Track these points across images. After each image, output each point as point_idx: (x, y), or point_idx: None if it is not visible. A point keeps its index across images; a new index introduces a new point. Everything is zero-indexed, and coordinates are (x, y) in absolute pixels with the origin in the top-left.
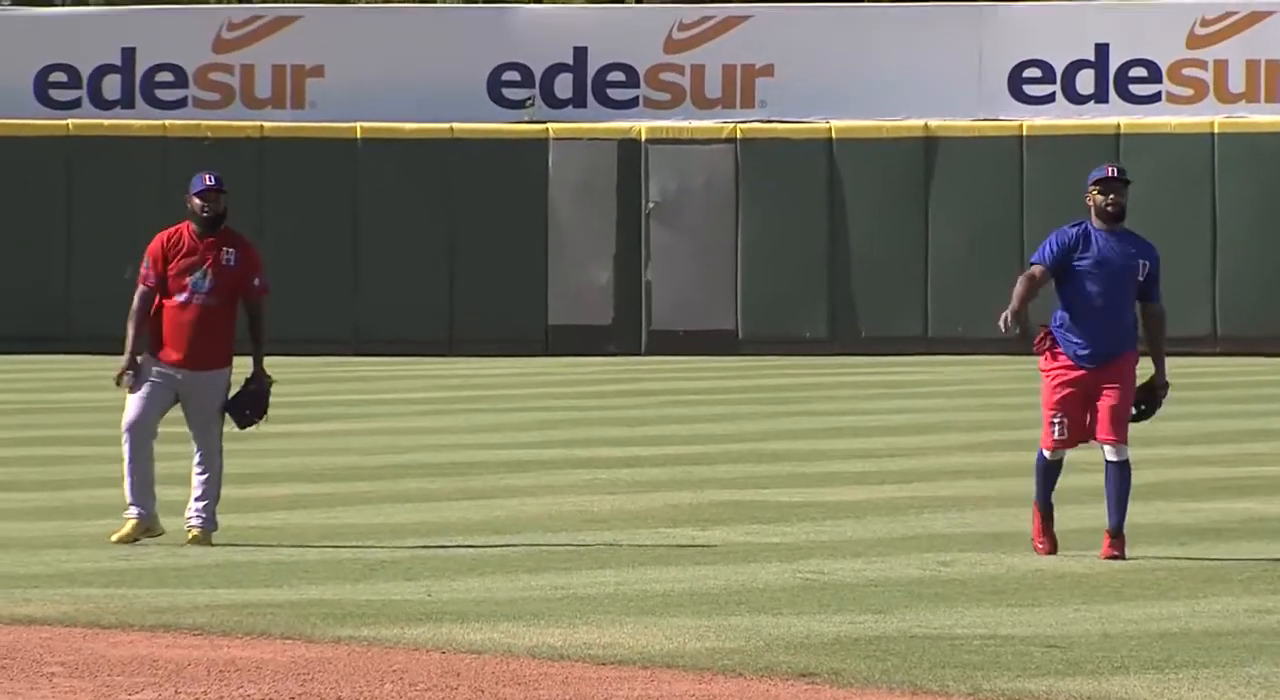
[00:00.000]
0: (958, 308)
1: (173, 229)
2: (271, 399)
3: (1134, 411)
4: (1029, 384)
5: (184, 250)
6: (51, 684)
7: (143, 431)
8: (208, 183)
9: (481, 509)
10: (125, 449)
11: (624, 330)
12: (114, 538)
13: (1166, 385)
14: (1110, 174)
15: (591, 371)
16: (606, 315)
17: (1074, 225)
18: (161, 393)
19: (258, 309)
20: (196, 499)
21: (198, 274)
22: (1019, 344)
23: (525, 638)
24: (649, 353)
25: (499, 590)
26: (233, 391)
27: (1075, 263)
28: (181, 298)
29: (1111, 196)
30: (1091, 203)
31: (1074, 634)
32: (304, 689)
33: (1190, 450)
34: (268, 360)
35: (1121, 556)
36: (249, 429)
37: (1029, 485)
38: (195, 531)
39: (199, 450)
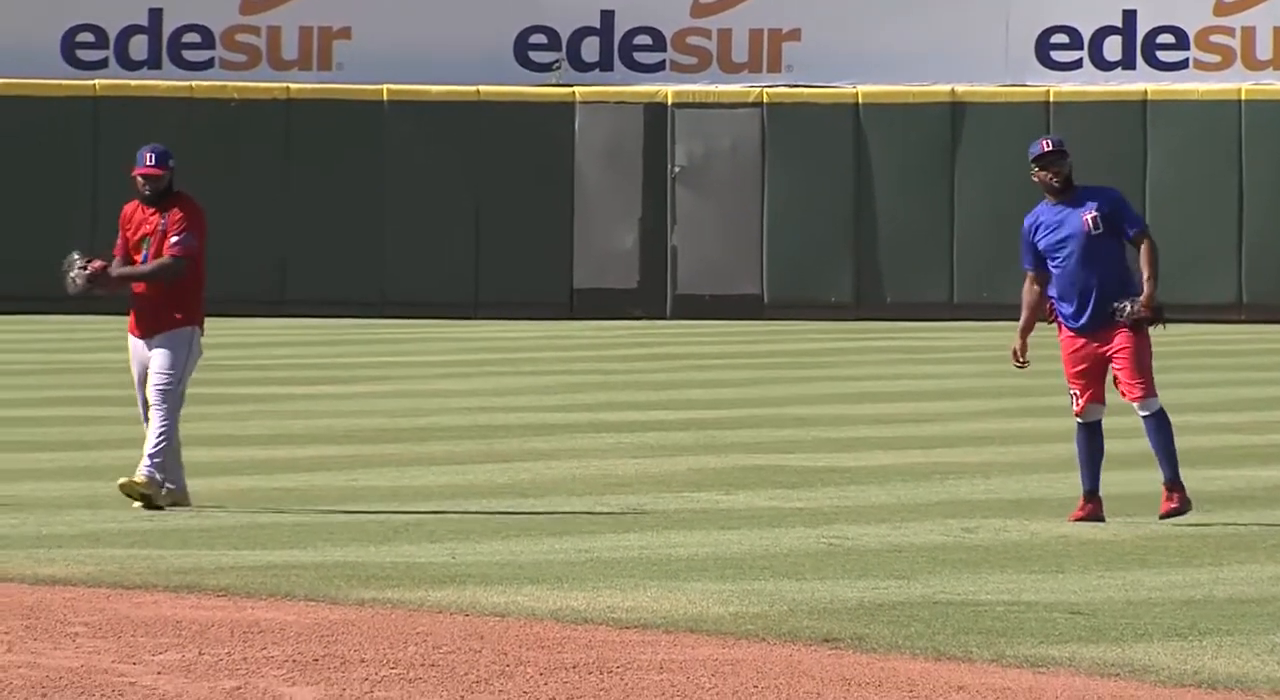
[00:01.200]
0: (983, 274)
1: (135, 199)
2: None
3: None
4: (1053, 350)
5: (136, 220)
6: (75, 644)
7: (141, 392)
8: (147, 162)
9: (506, 472)
10: (140, 409)
11: (649, 294)
12: (120, 481)
13: (1159, 307)
14: (1045, 148)
15: (616, 335)
16: (632, 279)
17: (1031, 214)
18: (137, 365)
19: (160, 260)
20: (148, 452)
21: (142, 241)
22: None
23: (549, 601)
24: (674, 317)
25: (523, 553)
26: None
27: (1039, 245)
28: None
29: (1052, 169)
30: (1036, 179)
31: (1098, 601)
32: (327, 651)
33: (1215, 417)
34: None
35: (1183, 509)
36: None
37: (1053, 451)
38: (140, 476)
39: (158, 419)
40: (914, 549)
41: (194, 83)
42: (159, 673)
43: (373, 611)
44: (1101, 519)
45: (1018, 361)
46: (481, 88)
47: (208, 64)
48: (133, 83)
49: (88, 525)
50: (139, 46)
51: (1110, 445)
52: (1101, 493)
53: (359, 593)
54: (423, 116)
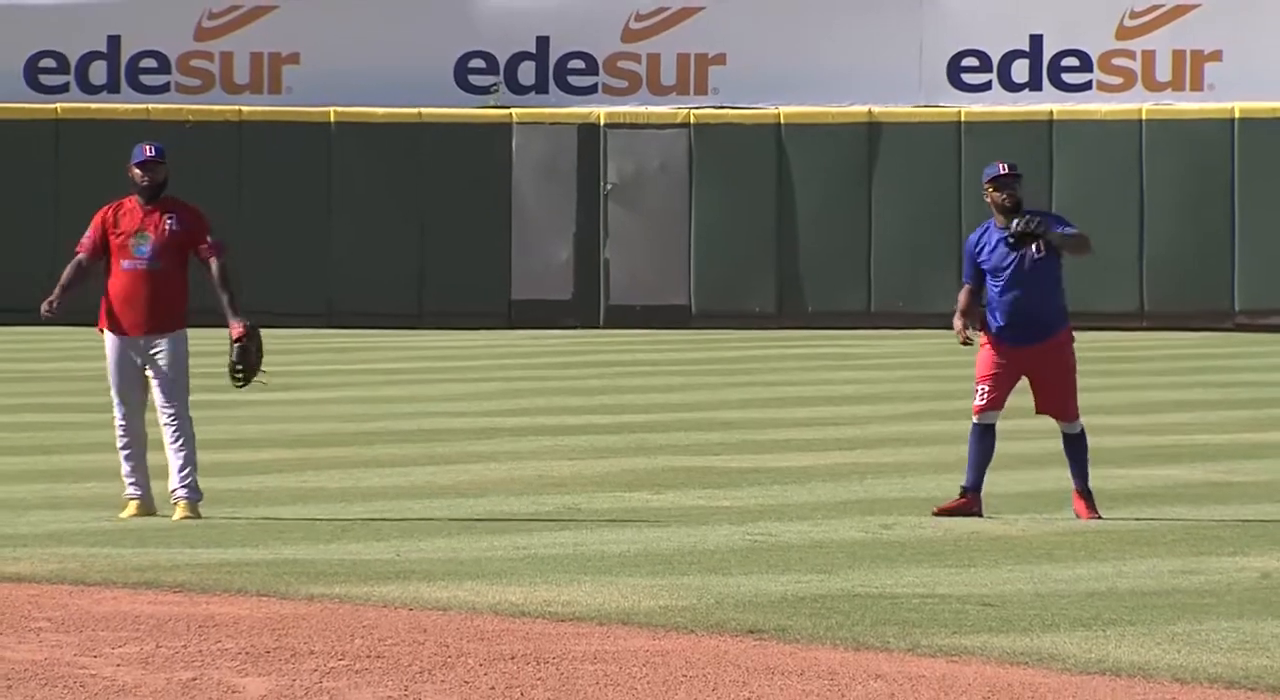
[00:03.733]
0: (899, 284)
1: (118, 202)
2: (262, 346)
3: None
4: (965, 357)
5: (126, 219)
6: (39, 638)
7: (125, 406)
8: (148, 153)
9: (448, 473)
10: (116, 427)
11: (583, 305)
12: (120, 516)
13: (1039, 228)
14: (1001, 171)
15: (552, 344)
16: (567, 291)
17: (977, 230)
18: (128, 364)
19: (217, 267)
20: (178, 470)
21: (137, 238)
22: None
23: (488, 595)
24: (607, 326)
25: (464, 550)
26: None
27: (981, 264)
28: (126, 264)
29: (1006, 191)
30: (989, 199)
31: (1007, 593)
32: (279, 643)
33: (1118, 419)
34: None
35: (1098, 514)
36: (253, 383)
37: (966, 453)
38: (182, 504)
39: (169, 418)
40: (834, 545)
41: (151, 106)
42: (118, 665)
43: (322, 606)
44: (978, 514)
45: (963, 336)
46: (424, 110)
47: (164, 88)
48: (93, 106)
49: (50, 525)
50: (98, 71)
51: (1018, 446)
52: (984, 492)
53: (309, 588)
54: (368, 137)
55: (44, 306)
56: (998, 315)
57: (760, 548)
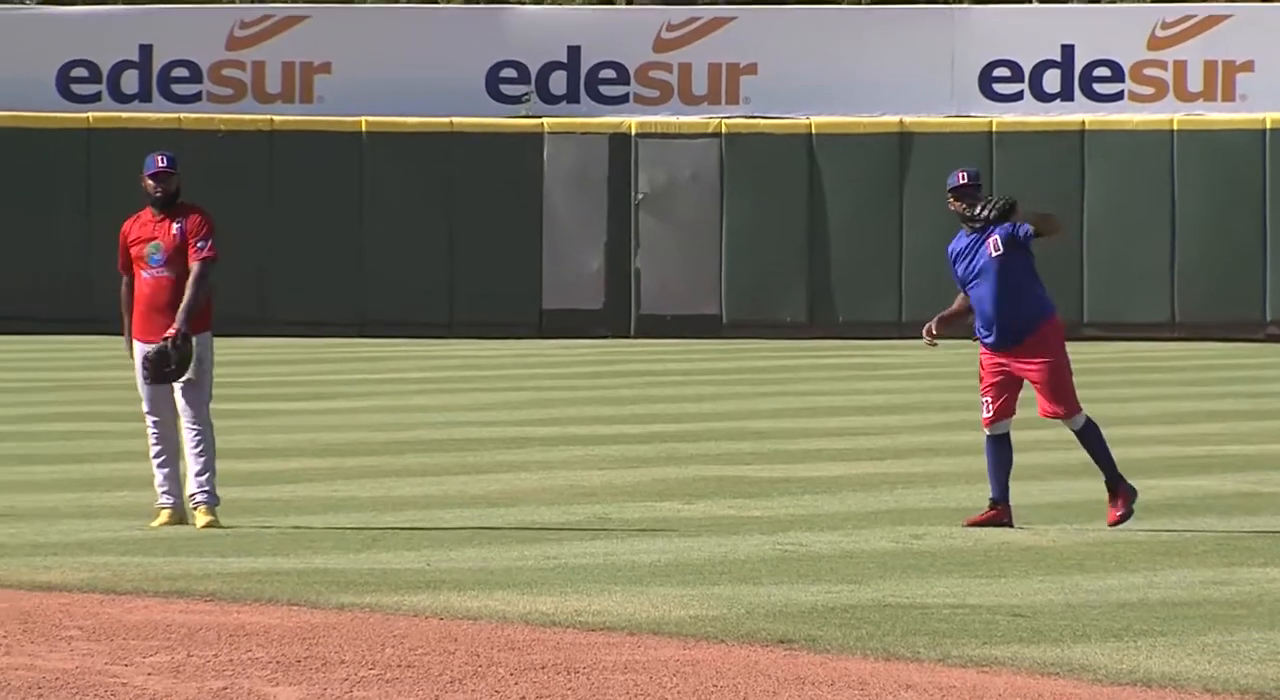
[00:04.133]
0: (930, 294)
1: (136, 214)
2: (184, 360)
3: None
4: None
5: (143, 229)
6: (70, 647)
7: (157, 415)
8: (159, 164)
9: (479, 483)
10: (149, 436)
11: (614, 314)
12: (152, 525)
13: (1010, 205)
14: (960, 181)
15: (583, 353)
16: (598, 300)
17: (953, 239)
18: None
19: (196, 270)
20: (196, 474)
21: (150, 247)
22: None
23: (519, 605)
24: (637, 336)
25: (494, 560)
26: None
27: (957, 273)
28: (145, 274)
29: (965, 201)
30: (952, 208)
31: (1038, 603)
32: (309, 652)
33: (1149, 430)
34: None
35: (1128, 512)
36: (161, 383)
37: None
38: (202, 509)
39: (190, 423)
40: (865, 555)
41: (182, 115)
42: (149, 674)
43: (352, 615)
44: (1009, 524)
45: (928, 339)
46: (455, 119)
47: (196, 97)
48: (124, 115)
49: (82, 534)
50: (130, 81)
51: (1049, 456)
52: (1013, 503)
53: (339, 597)
54: (399, 147)
55: (127, 347)
56: (979, 323)
57: (791, 557)
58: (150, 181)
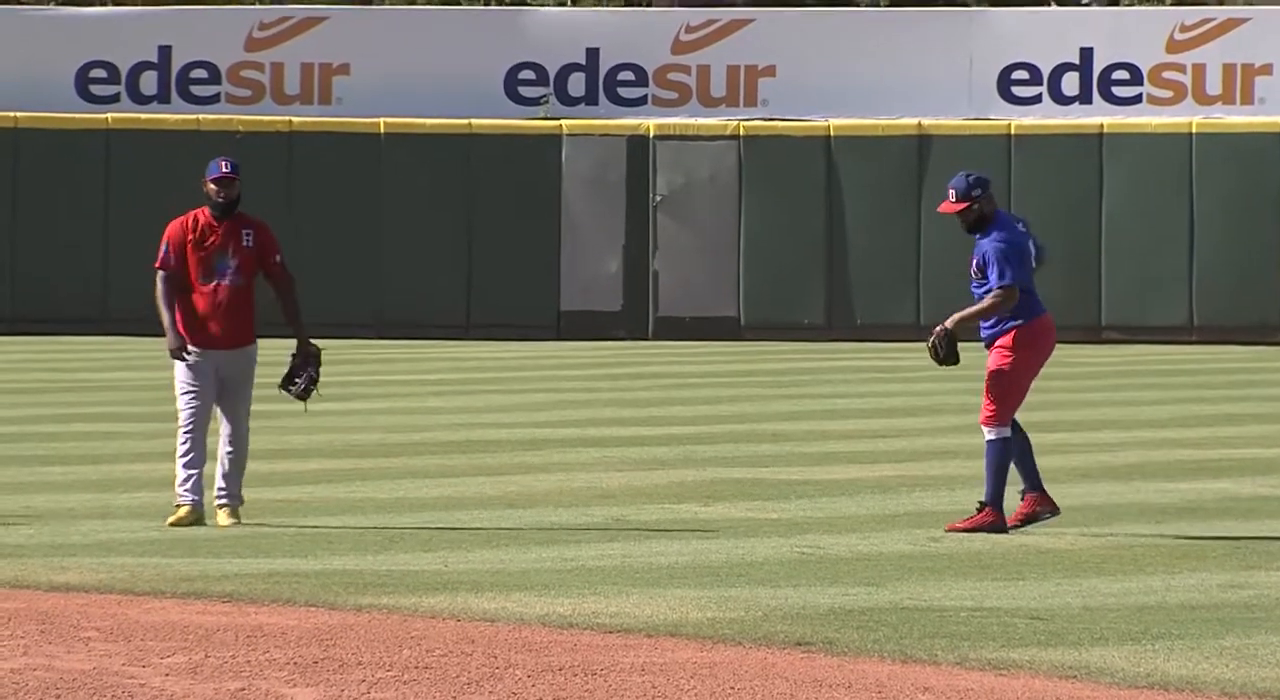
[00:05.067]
0: (949, 296)
1: (188, 215)
2: (321, 368)
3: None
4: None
5: (205, 235)
6: (88, 648)
7: (194, 419)
8: (224, 170)
9: (496, 485)
10: (181, 437)
11: (632, 316)
12: (169, 521)
13: (945, 340)
14: (950, 205)
15: (601, 355)
16: (616, 302)
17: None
18: (203, 376)
19: (286, 285)
20: (224, 475)
21: (222, 256)
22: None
23: (536, 607)
24: (655, 338)
25: (512, 562)
26: (284, 370)
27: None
28: (207, 280)
29: (959, 216)
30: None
31: (1056, 606)
32: (327, 654)
33: (1167, 433)
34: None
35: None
36: (309, 399)
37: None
38: (227, 510)
39: (229, 428)
40: (882, 557)
41: (201, 116)
42: (167, 675)
43: (370, 616)
44: (1054, 509)
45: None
46: (473, 121)
47: (214, 98)
48: (143, 116)
49: (100, 535)
50: (149, 82)
51: (1068, 460)
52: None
53: (357, 599)
54: (417, 148)
55: (180, 355)
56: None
57: (808, 560)
58: (213, 185)
